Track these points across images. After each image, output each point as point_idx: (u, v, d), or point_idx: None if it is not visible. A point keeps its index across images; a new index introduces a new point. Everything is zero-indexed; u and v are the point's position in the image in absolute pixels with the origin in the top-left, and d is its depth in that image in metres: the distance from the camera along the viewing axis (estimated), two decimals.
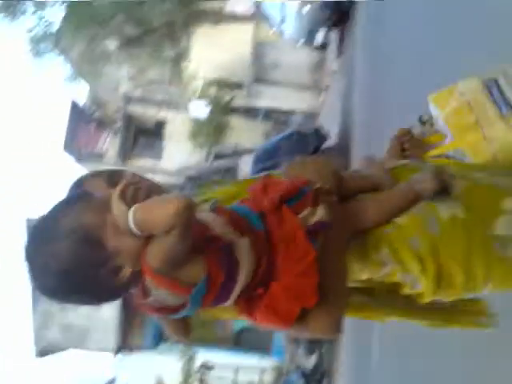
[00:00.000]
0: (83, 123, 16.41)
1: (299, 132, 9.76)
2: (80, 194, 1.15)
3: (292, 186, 1.21)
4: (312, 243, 1.14)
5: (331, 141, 10.27)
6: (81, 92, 17.76)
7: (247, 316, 1.19)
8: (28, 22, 16.60)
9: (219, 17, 16.12)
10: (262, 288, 1.14)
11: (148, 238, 1.04)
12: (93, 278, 1.05)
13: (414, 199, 1.32)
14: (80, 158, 16.35)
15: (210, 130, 15.61)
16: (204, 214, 1.17)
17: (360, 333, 6.17)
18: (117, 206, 1.05)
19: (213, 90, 16.21)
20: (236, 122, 16.30)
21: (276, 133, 13.44)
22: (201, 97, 15.92)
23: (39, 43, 16.47)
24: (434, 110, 1.68)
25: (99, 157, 16.49)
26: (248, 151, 11.75)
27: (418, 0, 5.55)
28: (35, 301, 13.22)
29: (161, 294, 1.07)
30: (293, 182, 1.23)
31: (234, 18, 16.12)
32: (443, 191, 1.32)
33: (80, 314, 13.57)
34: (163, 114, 16.89)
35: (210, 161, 14.89)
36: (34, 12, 16.51)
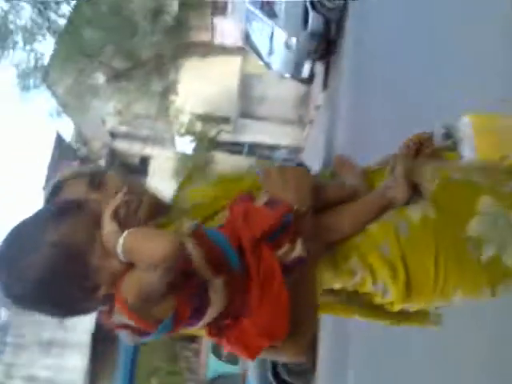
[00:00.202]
0: (67, 160, 16.01)
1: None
2: (70, 205, 1.13)
3: (275, 219, 1.17)
4: (287, 280, 1.14)
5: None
6: (66, 128, 17.52)
7: (215, 339, 1.21)
8: (17, 54, 16.50)
9: (208, 49, 16.05)
10: (231, 320, 1.15)
11: (131, 265, 1.04)
12: (68, 292, 1.05)
13: (386, 206, 1.32)
14: None
15: (195, 167, 15.25)
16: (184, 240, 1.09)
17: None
18: (108, 227, 1.06)
19: (199, 125, 16.12)
20: (220, 157, 16.14)
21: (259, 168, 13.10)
22: (186, 132, 15.69)
23: (27, 77, 16.32)
24: (467, 128, 1.51)
25: None
26: None
27: (401, 27, 5.43)
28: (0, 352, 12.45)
29: (125, 320, 1.06)
30: (275, 214, 1.18)
31: (223, 50, 16.12)
32: (415, 192, 1.33)
33: (45, 365, 12.68)
34: (148, 150, 16.69)
35: None
36: (24, 45, 16.38)
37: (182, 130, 15.67)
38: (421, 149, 1.55)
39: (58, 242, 1.03)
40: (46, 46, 16.66)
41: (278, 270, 1.14)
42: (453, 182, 1.33)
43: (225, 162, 15.85)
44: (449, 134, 1.55)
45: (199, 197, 1.39)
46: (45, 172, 15.66)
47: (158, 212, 1.37)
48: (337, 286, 1.34)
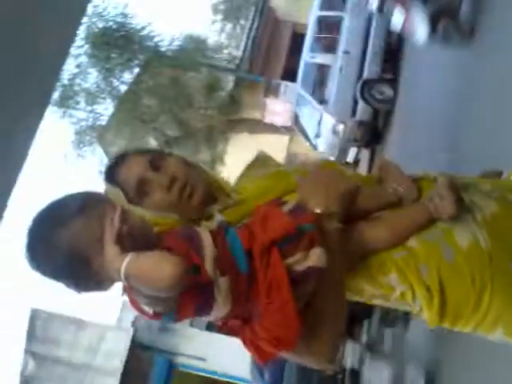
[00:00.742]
0: None
1: None
2: (89, 203, 1.13)
3: (291, 225, 1.16)
4: (301, 289, 1.14)
5: None
6: None
7: (230, 331, 1.23)
8: (78, 113, 17.46)
9: (257, 126, 16.52)
10: (242, 321, 1.18)
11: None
12: (79, 273, 1.11)
13: (429, 221, 1.25)
14: None
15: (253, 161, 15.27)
16: (204, 237, 1.15)
17: None
18: (111, 251, 1.05)
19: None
20: None
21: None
22: None
23: (83, 134, 17.13)
24: None
25: None
26: None
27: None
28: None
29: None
30: (292, 222, 1.16)
31: (271, 128, 16.52)
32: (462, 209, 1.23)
33: None
34: None
35: None
36: (85, 106, 17.37)
37: None
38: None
39: (70, 240, 1.09)
40: (106, 107, 17.47)
41: (285, 278, 1.12)
42: (510, 209, 1.26)
43: None
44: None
45: (250, 191, 1.41)
46: None
47: (213, 199, 1.38)
48: (375, 302, 1.31)
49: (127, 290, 1.12)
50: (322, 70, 11.46)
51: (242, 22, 16.80)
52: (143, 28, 16.94)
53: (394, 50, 11.01)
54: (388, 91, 10.48)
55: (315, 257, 1.15)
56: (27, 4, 2.69)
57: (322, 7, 12.07)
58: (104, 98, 17.55)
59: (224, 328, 1.23)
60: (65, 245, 1.08)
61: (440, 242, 1.24)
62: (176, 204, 1.32)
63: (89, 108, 17.55)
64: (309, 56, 11.75)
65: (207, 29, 17.82)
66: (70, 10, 3.36)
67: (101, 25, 16.23)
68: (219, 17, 18.22)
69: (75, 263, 1.09)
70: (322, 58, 11.51)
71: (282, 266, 1.13)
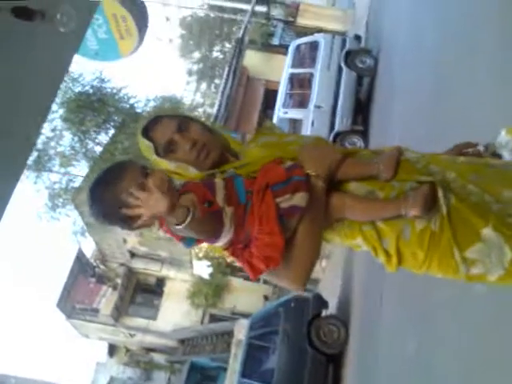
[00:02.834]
0: (83, 277, 16.09)
1: (298, 298, 9.18)
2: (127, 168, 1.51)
3: (282, 175, 1.54)
4: (282, 222, 1.49)
5: (332, 307, 9.60)
6: (87, 246, 17.76)
7: (234, 258, 1.60)
8: (51, 176, 17.34)
9: None
10: (243, 245, 1.54)
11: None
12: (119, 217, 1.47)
13: (397, 215, 1.52)
14: (71, 316, 15.71)
15: (210, 291, 15.13)
16: (218, 183, 1.56)
17: None
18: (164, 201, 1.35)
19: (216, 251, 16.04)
20: (236, 282, 15.87)
21: (276, 296, 12.84)
22: (204, 257, 15.77)
23: (57, 197, 16.97)
24: (504, 139, 1.78)
25: (94, 311, 15.82)
26: (245, 315, 11.04)
27: None
28: None
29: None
30: (287, 172, 1.55)
31: None
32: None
33: None
34: (165, 271, 16.62)
35: (205, 323, 14.09)
36: (59, 168, 17.29)
37: (200, 255, 15.82)
38: (466, 152, 1.77)
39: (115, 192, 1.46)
40: (80, 169, 17.41)
41: (273, 209, 1.48)
42: (467, 203, 1.51)
43: (240, 288, 15.71)
44: (488, 147, 1.79)
45: (251, 157, 1.70)
46: (62, 285, 15.70)
47: (226, 159, 1.72)
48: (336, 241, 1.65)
49: (164, 224, 1.47)
50: (295, 125, 11.69)
51: (217, 81, 17.20)
52: (119, 90, 17.21)
53: (363, 102, 11.36)
54: (359, 142, 10.74)
55: (298, 198, 1.52)
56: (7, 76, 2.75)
57: (294, 65, 12.49)
58: (78, 160, 17.54)
59: (230, 251, 1.57)
60: (112, 197, 1.47)
61: (402, 224, 1.54)
62: (194, 161, 1.66)
63: (62, 170, 17.47)
64: (282, 112, 12.01)
65: (182, 89, 18.19)
66: (48, 82, 3.43)
67: (77, 89, 16.41)
68: (194, 77, 18.70)
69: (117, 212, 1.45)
70: (294, 113, 11.79)
71: (273, 202, 1.50)
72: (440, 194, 1.51)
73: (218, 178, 1.61)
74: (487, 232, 1.48)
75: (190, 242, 1.52)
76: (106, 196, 1.48)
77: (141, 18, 12.71)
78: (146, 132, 1.69)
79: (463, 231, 1.49)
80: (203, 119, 16.82)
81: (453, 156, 1.72)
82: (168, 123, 1.68)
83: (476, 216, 1.49)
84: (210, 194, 1.51)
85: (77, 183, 16.98)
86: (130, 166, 1.50)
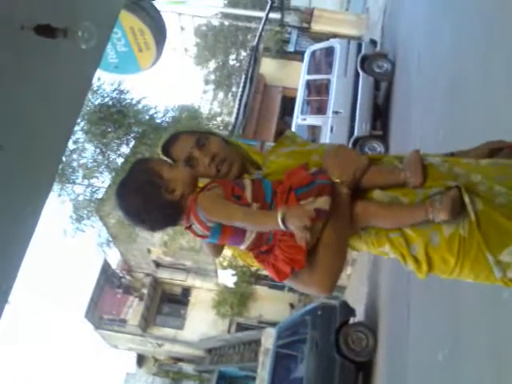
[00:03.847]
0: (110, 288, 16.28)
1: (324, 306, 9.14)
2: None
3: (306, 179, 1.55)
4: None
5: (359, 314, 9.56)
6: (112, 257, 17.98)
7: (259, 263, 1.62)
8: (75, 188, 17.57)
9: None
10: (267, 247, 1.56)
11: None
12: (156, 198, 1.59)
13: (425, 220, 1.50)
14: (99, 327, 15.91)
15: (235, 300, 15.15)
16: (246, 181, 1.62)
17: None
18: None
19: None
20: (261, 291, 15.86)
21: (302, 304, 12.79)
22: (229, 266, 15.82)
23: (81, 209, 17.19)
24: None
25: (122, 322, 16.01)
26: (272, 323, 11.06)
27: None
28: None
29: (196, 227, 1.57)
30: (309, 175, 1.56)
31: None
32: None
33: None
34: (190, 280, 16.72)
35: (232, 332, 14.12)
36: (83, 180, 17.52)
37: (225, 264, 15.91)
38: (498, 152, 1.74)
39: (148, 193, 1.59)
40: (103, 180, 17.60)
41: None
42: (497, 207, 1.48)
43: (265, 296, 15.72)
44: None
45: (274, 167, 1.71)
46: (89, 296, 15.93)
47: (247, 171, 1.75)
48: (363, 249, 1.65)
49: (193, 214, 1.56)
50: (314, 131, 11.67)
51: (234, 89, 17.26)
52: (138, 102, 17.36)
53: (382, 106, 11.32)
54: (379, 147, 10.67)
55: (322, 201, 1.51)
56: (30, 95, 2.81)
57: (310, 71, 12.48)
58: (101, 172, 17.74)
59: (254, 254, 1.61)
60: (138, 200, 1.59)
61: (430, 230, 1.52)
62: (215, 176, 1.68)
63: (86, 182, 17.69)
64: (300, 118, 12.01)
65: (199, 98, 18.29)
66: (72, 99, 3.50)
67: (97, 102, 16.62)
68: (211, 86, 18.79)
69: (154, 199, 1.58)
70: (312, 120, 11.78)
71: (295, 204, 1.51)
72: (467, 199, 1.48)
73: (245, 178, 1.66)
74: None
75: (215, 233, 1.56)
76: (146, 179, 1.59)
77: (158, 32, 12.83)
78: (166, 149, 1.73)
79: (494, 234, 1.47)
80: (221, 128, 16.90)
81: (475, 159, 1.69)
82: (187, 139, 1.71)
83: (506, 217, 1.47)
84: (238, 189, 1.58)
85: (100, 194, 17.28)
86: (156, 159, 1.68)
